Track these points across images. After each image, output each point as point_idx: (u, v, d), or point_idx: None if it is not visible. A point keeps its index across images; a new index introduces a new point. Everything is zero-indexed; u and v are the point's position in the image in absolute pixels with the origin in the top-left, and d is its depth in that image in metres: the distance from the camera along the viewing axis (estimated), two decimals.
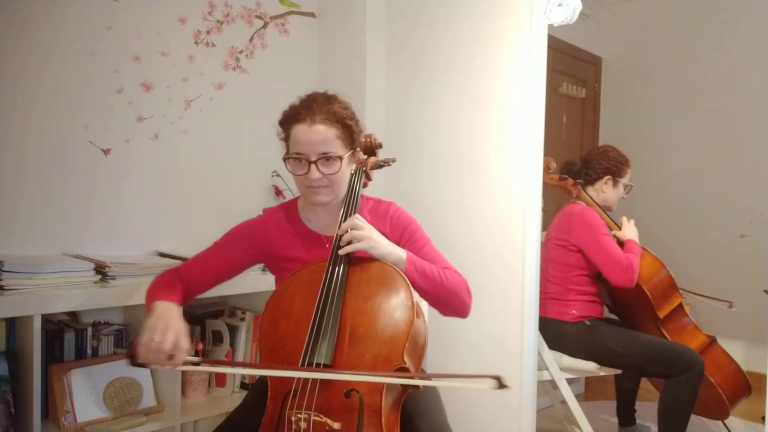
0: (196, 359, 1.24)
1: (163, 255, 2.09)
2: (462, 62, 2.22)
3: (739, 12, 3.47)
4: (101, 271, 1.77)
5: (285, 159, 1.41)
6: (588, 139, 3.93)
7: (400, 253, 1.35)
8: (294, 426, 1.15)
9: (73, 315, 1.94)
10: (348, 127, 1.39)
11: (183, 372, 1.95)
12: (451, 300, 1.41)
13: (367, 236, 1.32)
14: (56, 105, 1.93)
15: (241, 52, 2.39)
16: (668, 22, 3.77)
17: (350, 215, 1.38)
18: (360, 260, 1.35)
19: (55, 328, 1.86)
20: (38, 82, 1.89)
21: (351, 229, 1.33)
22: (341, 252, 1.32)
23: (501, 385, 1.10)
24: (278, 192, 2.45)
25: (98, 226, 2.03)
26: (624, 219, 2.39)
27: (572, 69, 3.76)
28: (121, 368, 1.86)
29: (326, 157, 1.36)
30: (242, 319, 2.16)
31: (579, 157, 2.54)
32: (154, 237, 2.16)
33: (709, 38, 3.60)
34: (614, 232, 2.36)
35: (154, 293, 1.36)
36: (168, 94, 2.19)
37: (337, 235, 1.37)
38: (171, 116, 2.20)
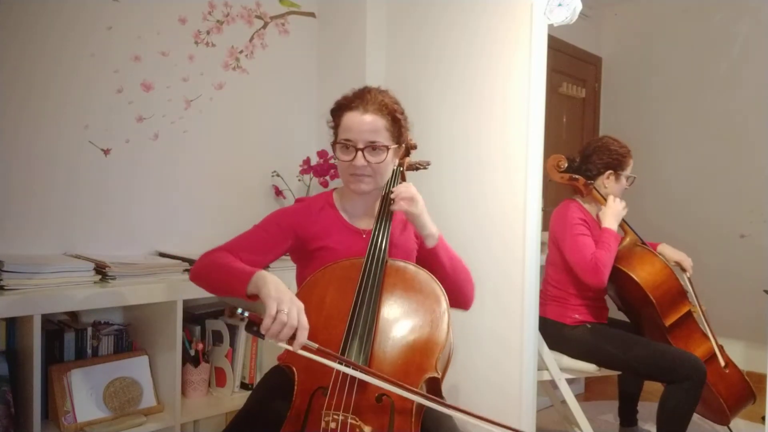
0: (314, 345, 1.16)
1: (163, 255, 2.09)
2: (462, 62, 2.22)
3: (739, 12, 3.47)
4: (101, 271, 1.77)
5: (333, 144, 1.46)
6: (588, 139, 3.92)
7: (435, 229, 1.45)
8: (325, 426, 1.14)
9: (73, 315, 1.94)
10: (397, 121, 1.45)
11: (183, 372, 1.94)
12: (463, 288, 1.50)
13: (418, 201, 1.41)
14: (56, 105, 1.93)
15: (241, 52, 2.39)
16: (668, 22, 3.76)
17: (387, 211, 1.43)
18: (396, 263, 1.36)
19: (55, 328, 1.86)
20: (38, 82, 1.89)
21: (407, 195, 1.39)
22: (393, 195, 1.40)
23: None
24: (278, 192, 2.45)
25: (98, 226, 2.03)
26: (610, 198, 2.28)
27: (572, 69, 3.76)
28: (121, 368, 1.86)
29: (373, 146, 1.39)
30: (242, 320, 2.15)
31: (577, 152, 2.43)
32: (154, 237, 2.16)
33: (709, 38, 3.59)
34: (602, 207, 2.29)
35: (234, 264, 1.30)
36: (168, 94, 2.19)
37: (390, 183, 1.45)
38: (171, 116, 2.20)
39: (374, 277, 1.30)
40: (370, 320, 1.24)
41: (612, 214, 2.24)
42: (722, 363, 2.24)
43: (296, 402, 1.21)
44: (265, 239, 1.45)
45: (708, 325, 2.31)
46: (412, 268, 1.36)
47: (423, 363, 1.21)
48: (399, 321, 1.26)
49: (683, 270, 2.34)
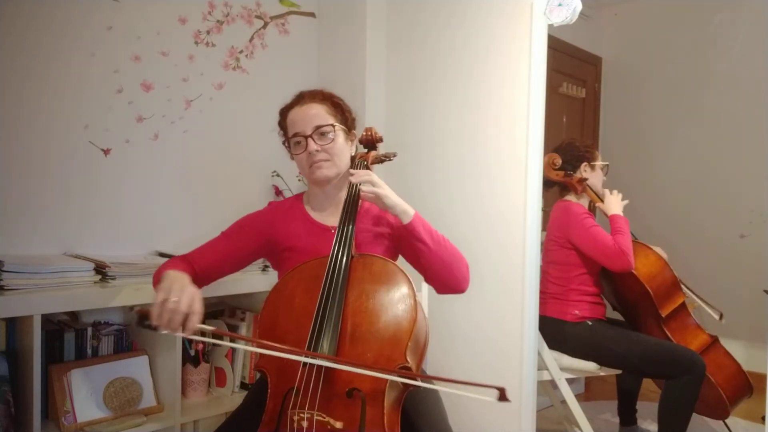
0: (208, 328, 1.19)
1: (163, 255, 2.09)
2: (462, 62, 2.22)
3: (739, 12, 3.47)
4: (101, 271, 1.77)
5: (285, 145, 1.51)
6: (588, 139, 3.92)
7: (407, 206, 1.40)
8: (295, 425, 1.14)
9: (73, 315, 1.94)
10: (337, 105, 1.50)
11: (183, 372, 1.95)
12: (452, 266, 1.42)
13: (381, 185, 1.39)
14: (56, 105, 1.93)
15: (241, 52, 2.39)
16: (668, 22, 3.77)
17: (351, 204, 1.42)
18: (362, 256, 1.36)
19: (55, 328, 1.86)
20: (38, 82, 1.89)
21: (366, 179, 1.38)
22: (352, 178, 1.39)
23: (503, 398, 1.08)
24: (278, 192, 2.45)
25: (98, 226, 2.03)
26: (606, 191, 2.38)
27: (572, 69, 3.76)
28: (121, 368, 1.86)
29: (320, 131, 1.44)
30: (242, 319, 2.16)
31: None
32: (154, 237, 2.16)
33: (709, 38, 3.60)
34: (597, 204, 2.37)
35: (164, 269, 1.36)
36: (168, 94, 2.19)
37: (350, 193, 1.42)
38: (171, 116, 2.20)
39: (339, 272, 1.30)
40: (336, 316, 1.24)
41: (615, 202, 2.33)
42: (719, 351, 2.29)
43: (269, 405, 1.21)
44: (226, 245, 1.49)
45: (711, 307, 2.35)
46: (379, 260, 1.35)
47: (392, 354, 1.20)
48: (366, 314, 1.26)
49: None
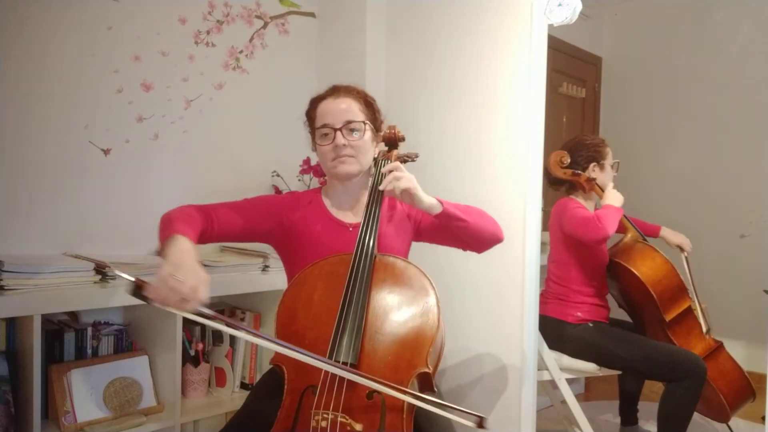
0: (209, 312, 1.09)
1: None
2: (462, 62, 2.22)
3: (739, 12, 3.47)
4: (101, 271, 1.77)
5: (312, 138, 1.50)
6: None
7: (432, 199, 1.42)
8: (316, 425, 1.14)
9: (73, 315, 1.94)
10: (369, 105, 1.50)
11: (183, 372, 1.94)
12: (488, 224, 1.52)
13: (410, 177, 1.39)
14: (56, 105, 1.93)
15: (241, 52, 2.39)
16: (668, 22, 3.76)
17: (375, 204, 1.42)
18: (384, 257, 1.36)
19: (55, 328, 1.86)
20: (38, 82, 1.89)
21: (394, 170, 1.38)
22: (381, 187, 1.38)
23: (480, 426, 1.12)
24: (278, 192, 2.45)
25: (98, 226, 2.03)
26: (609, 186, 2.33)
27: (572, 69, 3.76)
28: (121, 368, 1.86)
29: (350, 126, 1.43)
30: (242, 319, 2.16)
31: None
32: (154, 237, 2.14)
33: (709, 38, 3.59)
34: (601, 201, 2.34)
35: (177, 224, 1.25)
36: (168, 94, 2.19)
37: (377, 173, 1.45)
38: (171, 116, 2.20)
39: (363, 272, 1.29)
40: (359, 317, 1.23)
41: (613, 195, 2.27)
42: (723, 357, 2.28)
43: (286, 401, 1.20)
44: (248, 217, 1.44)
45: (707, 320, 2.33)
46: (401, 263, 1.35)
47: (413, 358, 1.20)
48: (388, 317, 1.26)
49: (682, 251, 2.42)
